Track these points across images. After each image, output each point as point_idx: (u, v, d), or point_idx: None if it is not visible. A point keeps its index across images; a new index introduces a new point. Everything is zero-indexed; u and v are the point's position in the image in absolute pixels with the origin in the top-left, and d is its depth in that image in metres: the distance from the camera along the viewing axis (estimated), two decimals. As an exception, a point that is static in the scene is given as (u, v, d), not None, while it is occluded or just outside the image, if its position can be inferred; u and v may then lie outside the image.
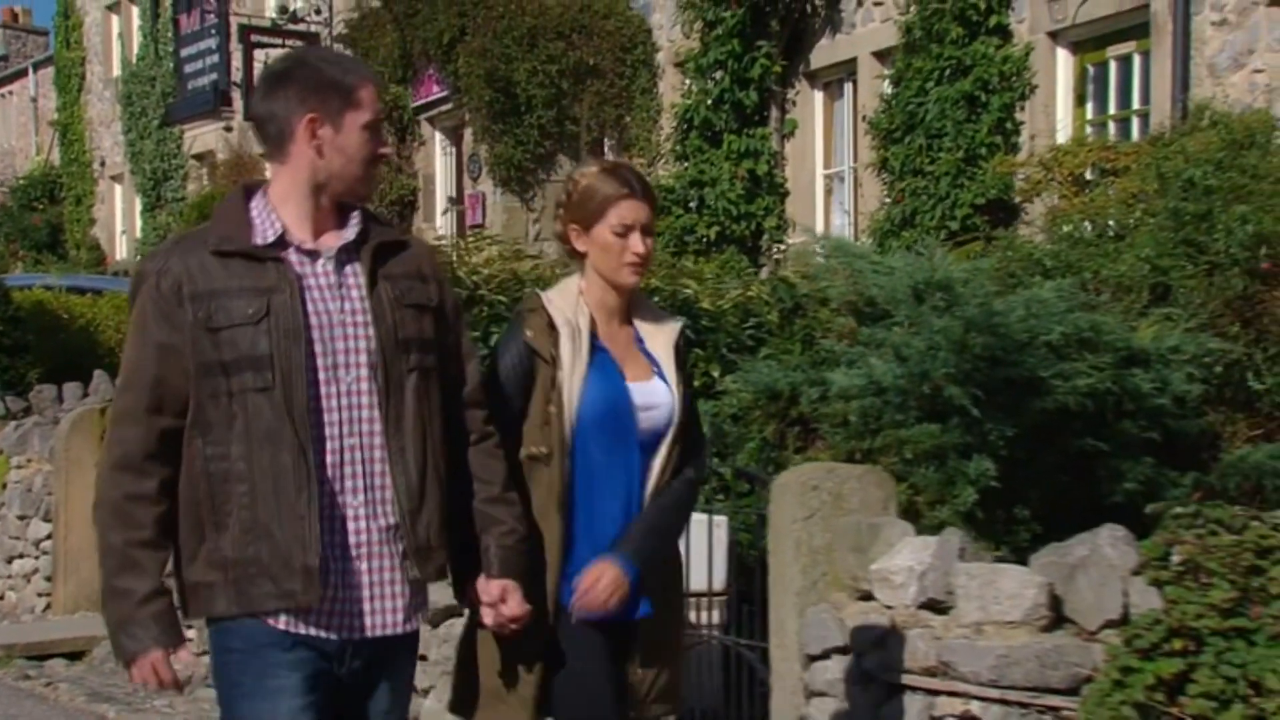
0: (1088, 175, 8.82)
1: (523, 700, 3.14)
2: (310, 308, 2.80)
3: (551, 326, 3.18)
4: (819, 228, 12.35)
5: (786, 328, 6.65)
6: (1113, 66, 10.41)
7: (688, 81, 12.97)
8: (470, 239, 8.29)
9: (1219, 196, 5.44)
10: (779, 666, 4.51)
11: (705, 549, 5.20)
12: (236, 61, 18.80)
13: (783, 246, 12.29)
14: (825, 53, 12.45)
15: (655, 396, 3.23)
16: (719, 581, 5.34)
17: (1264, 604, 3.48)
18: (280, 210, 2.85)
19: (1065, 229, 6.88)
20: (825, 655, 4.27)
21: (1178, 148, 6.30)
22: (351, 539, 2.82)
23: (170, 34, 21.42)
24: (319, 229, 2.87)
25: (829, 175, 12.89)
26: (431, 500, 2.89)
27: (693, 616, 5.25)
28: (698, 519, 4.90)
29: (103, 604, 2.85)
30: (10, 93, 30.21)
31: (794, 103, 12.82)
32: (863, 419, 5.29)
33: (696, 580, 5.03)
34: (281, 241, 2.83)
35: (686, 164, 12.72)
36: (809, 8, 12.43)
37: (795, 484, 4.47)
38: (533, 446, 3.16)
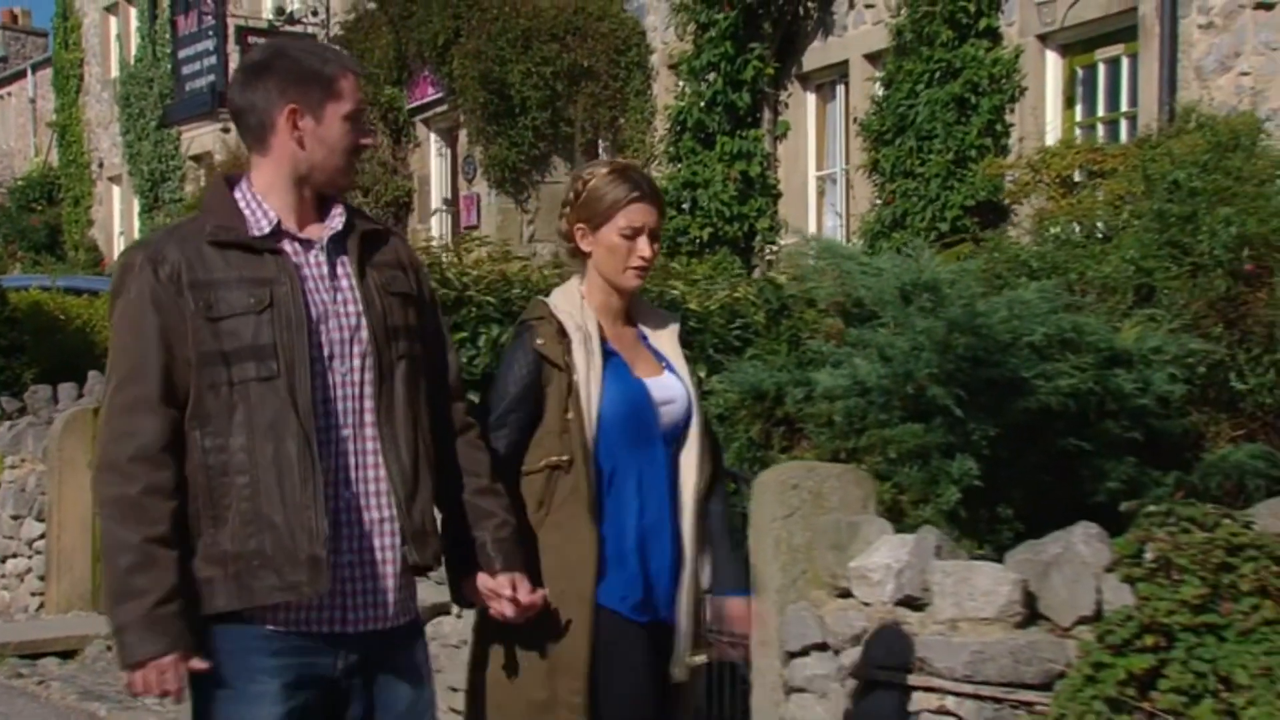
0: (1076, 177, 8.85)
1: (572, 709, 3.08)
2: (308, 299, 2.79)
3: (562, 333, 3.17)
4: (811, 229, 12.38)
5: (773, 328, 6.69)
6: (1101, 69, 10.42)
7: (681, 83, 13.00)
8: (460, 241, 8.31)
9: (1204, 198, 5.47)
10: (759, 663, 4.54)
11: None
12: (234, 63, 18.82)
13: (775, 248, 12.31)
14: (817, 55, 12.48)
15: (671, 390, 3.23)
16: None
17: (1234, 600, 3.53)
18: (266, 201, 2.84)
19: (1053, 230, 6.93)
20: (805, 652, 4.31)
21: (1164, 150, 6.33)
22: (344, 531, 2.79)
23: (168, 35, 21.42)
24: (303, 220, 2.87)
25: (821, 177, 12.91)
26: (425, 487, 2.88)
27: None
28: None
29: (112, 603, 2.73)
30: (9, 94, 30.22)
31: (786, 104, 12.85)
32: (847, 419, 5.33)
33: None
34: (277, 232, 2.82)
35: (679, 165, 12.75)
36: (801, 10, 12.45)
37: (775, 482, 4.50)
38: (552, 455, 3.13)
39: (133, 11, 24.07)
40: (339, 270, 2.86)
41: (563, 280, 3.38)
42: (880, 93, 11.37)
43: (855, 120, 11.82)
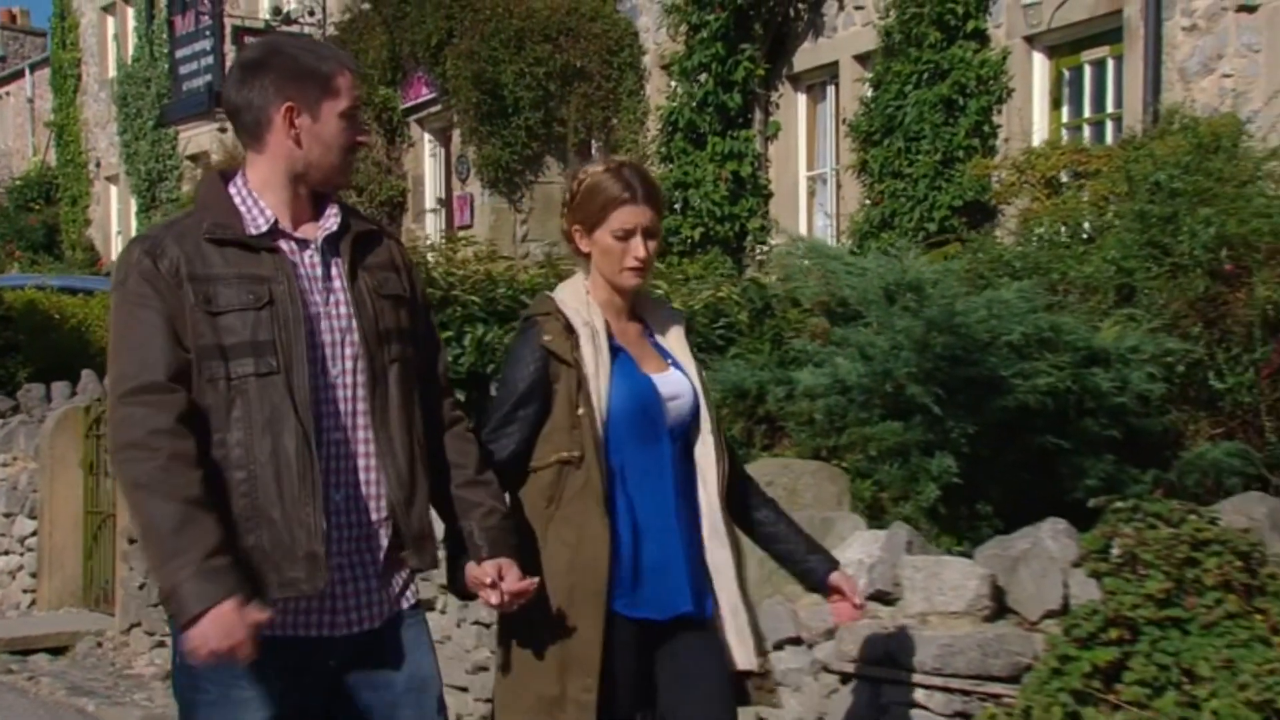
0: (1062, 178, 8.89)
1: (582, 706, 3.05)
2: (303, 299, 2.77)
3: (569, 329, 3.15)
4: (802, 229, 12.40)
5: (756, 328, 6.73)
6: (1087, 71, 10.47)
7: (673, 84, 13.04)
8: (449, 241, 8.35)
9: (1184, 199, 5.49)
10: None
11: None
12: (230, 63, 18.85)
13: (766, 248, 12.35)
14: (808, 56, 12.52)
15: (677, 386, 3.21)
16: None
17: (1198, 594, 3.57)
18: (262, 199, 2.82)
19: (1037, 231, 6.96)
20: (779, 646, 4.35)
21: (1146, 152, 6.36)
22: (334, 534, 2.76)
23: (165, 35, 21.44)
24: (298, 218, 2.84)
25: (812, 177, 12.95)
26: (421, 490, 2.86)
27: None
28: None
29: (159, 567, 2.62)
30: (7, 93, 30.25)
31: (777, 105, 12.89)
32: (828, 417, 5.36)
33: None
34: (273, 231, 2.80)
35: (671, 166, 12.79)
36: (792, 11, 12.50)
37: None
38: (563, 451, 3.11)
39: (130, 11, 24.09)
40: (332, 271, 2.84)
41: (549, 280, 3.35)
42: (869, 94, 11.42)
43: (844, 121, 11.87)
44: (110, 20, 25.01)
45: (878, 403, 5.14)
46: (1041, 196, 8.54)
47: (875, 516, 5.04)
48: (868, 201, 11.23)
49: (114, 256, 24.42)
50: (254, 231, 2.79)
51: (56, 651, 8.52)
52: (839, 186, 12.31)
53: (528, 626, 3.06)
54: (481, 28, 14.22)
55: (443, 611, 5.70)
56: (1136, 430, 5.10)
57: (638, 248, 3.15)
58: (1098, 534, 3.79)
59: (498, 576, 2.91)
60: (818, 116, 12.88)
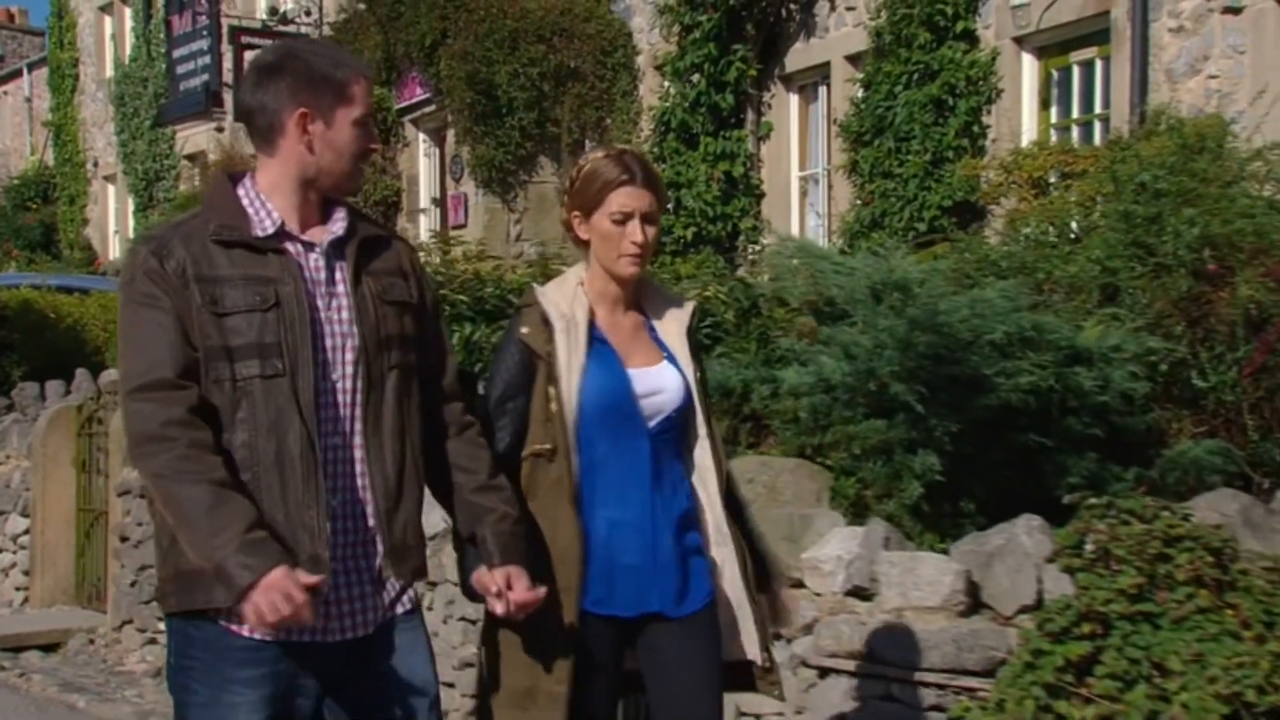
0: (1050, 179, 8.92)
1: (553, 699, 3.05)
2: (309, 302, 2.77)
3: (545, 321, 3.13)
4: (794, 229, 12.42)
5: (743, 327, 6.75)
6: (1076, 72, 10.50)
7: (666, 84, 13.07)
8: (441, 240, 8.39)
9: (1169, 200, 5.51)
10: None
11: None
12: (228, 63, 18.88)
13: (758, 247, 12.38)
14: (800, 56, 12.55)
15: (658, 381, 3.16)
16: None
17: (1169, 589, 3.60)
18: (270, 202, 2.81)
19: (1024, 231, 6.99)
20: (759, 641, 4.37)
21: (1133, 152, 6.39)
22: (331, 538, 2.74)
23: (162, 35, 21.47)
24: (305, 222, 2.83)
25: (804, 177, 12.97)
26: (409, 500, 2.84)
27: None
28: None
29: (202, 546, 2.61)
30: (5, 93, 30.26)
31: (769, 105, 12.92)
32: (812, 415, 5.39)
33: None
34: (280, 233, 2.79)
35: (664, 166, 12.82)
36: (783, 12, 12.52)
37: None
38: (536, 444, 3.10)
39: (127, 11, 24.12)
40: (336, 276, 2.83)
41: (537, 280, 3.35)
42: (859, 94, 11.45)
43: (835, 121, 11.90)
44: (108, 20, 25.03)
45: (862, 401, 5.16)
46: (1029, 197, 8.57)
47: (859, 514, 5.07)
48: (858, 201, 11.26)
49: (111, 256, 24.48)
50: (261, 233, 2.78)
51: (48, 648, 8.55)
52: (830, 187, 12.34)
53: (504, 619, 3.04)
54: (476, 28, 14.24)
55: (429, 608, 5.74)
56: (1119, 429, 5.12)
57: (635, 232, 3.12)
58: (1072, 530, 3.82)
59: (506, 586, 2.91)
60: (810, 117, 12.91)
